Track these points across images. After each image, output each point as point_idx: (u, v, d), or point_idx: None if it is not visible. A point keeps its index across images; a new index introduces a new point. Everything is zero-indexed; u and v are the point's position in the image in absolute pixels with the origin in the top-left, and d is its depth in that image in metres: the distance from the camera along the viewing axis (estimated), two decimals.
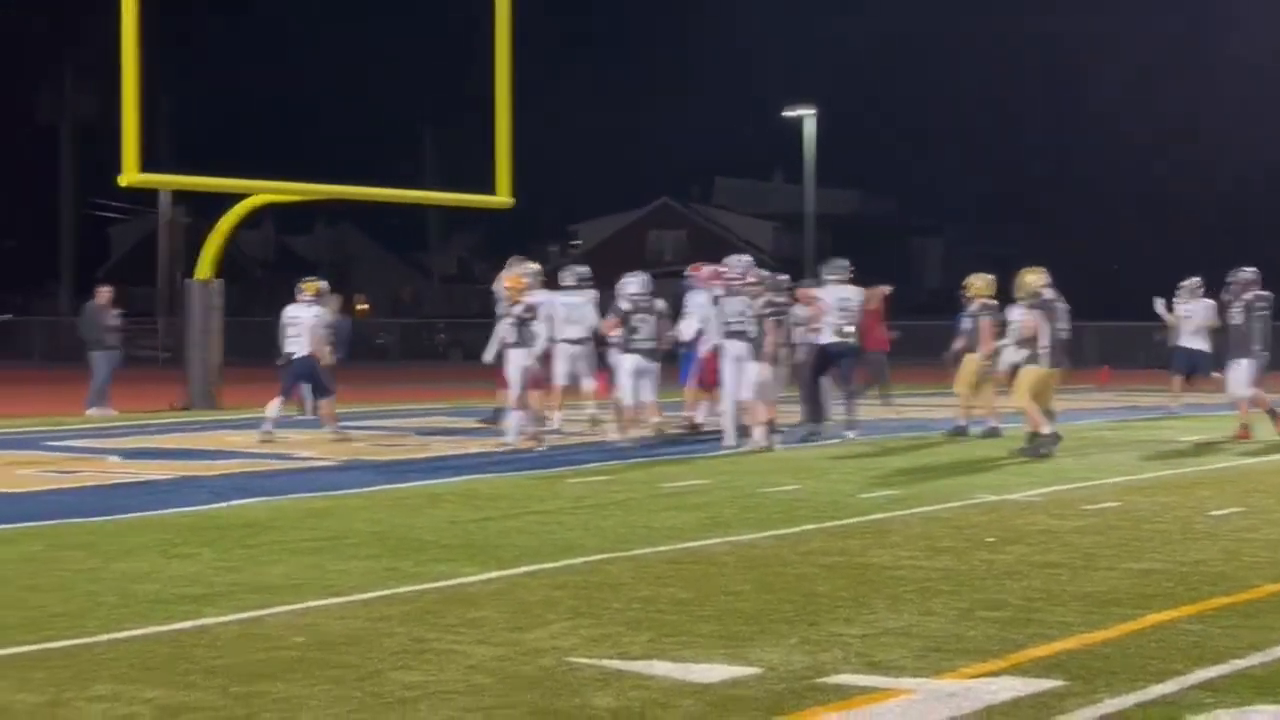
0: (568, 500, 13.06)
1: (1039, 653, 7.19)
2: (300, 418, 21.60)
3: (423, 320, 75.12)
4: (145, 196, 78.21)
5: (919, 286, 71.80)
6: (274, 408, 19.02)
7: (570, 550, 10.26)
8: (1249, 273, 19.71)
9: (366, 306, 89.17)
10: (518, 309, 18.00)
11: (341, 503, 12.98)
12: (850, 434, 19.19)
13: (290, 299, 19.62)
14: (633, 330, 18.32)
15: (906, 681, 6.67)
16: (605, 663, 7.04)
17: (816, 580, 9.11)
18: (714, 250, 52.85)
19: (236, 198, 25.10)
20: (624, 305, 18.50)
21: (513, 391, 18.06)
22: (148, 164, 21.91)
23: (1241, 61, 67.83)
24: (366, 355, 43.02)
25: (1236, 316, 19.59)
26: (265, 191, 24.18)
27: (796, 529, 11.27)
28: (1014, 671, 6.84)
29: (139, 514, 12.21)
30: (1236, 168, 67.11)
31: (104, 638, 7.61)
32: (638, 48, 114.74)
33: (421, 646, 7.38)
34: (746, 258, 19.01)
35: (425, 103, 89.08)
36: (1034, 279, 17.51)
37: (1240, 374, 19.42)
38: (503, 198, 25.26)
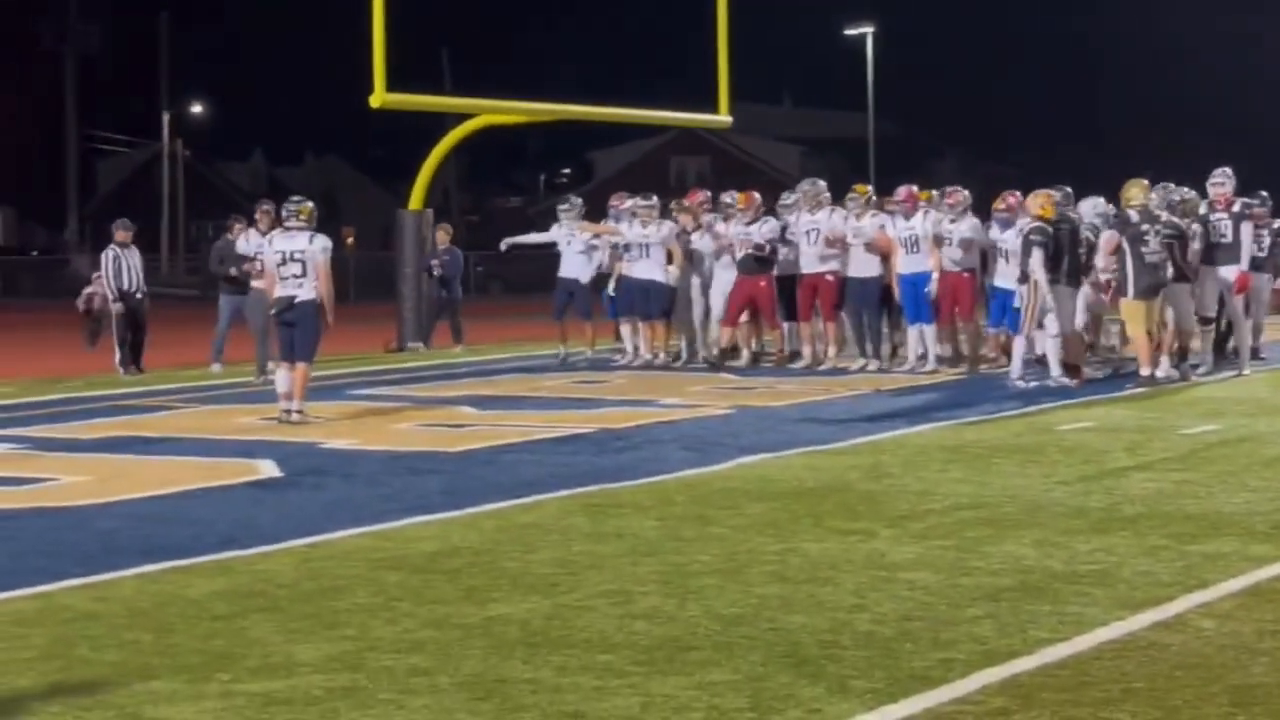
0: (1137, 456, 11.15)
1: None
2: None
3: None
4: (143, 128, 75.85)
5: None
6: (283, 380, 13.86)
7: None
8: None
9: (353, 240, 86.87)
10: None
11: (841, 461, 11.07)
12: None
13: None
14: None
15: None
16: None
17: None
18: (740, 176, 50.99)
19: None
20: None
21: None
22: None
23: None
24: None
25: None
26: (491, 112, 22.15)
27: None
28: None
29: (661, 477, 10.43)
30: None
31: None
32: None
33: None
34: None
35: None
36: (1135, 192, 15.96)
37: None
38: (723, 116, 23.78)
